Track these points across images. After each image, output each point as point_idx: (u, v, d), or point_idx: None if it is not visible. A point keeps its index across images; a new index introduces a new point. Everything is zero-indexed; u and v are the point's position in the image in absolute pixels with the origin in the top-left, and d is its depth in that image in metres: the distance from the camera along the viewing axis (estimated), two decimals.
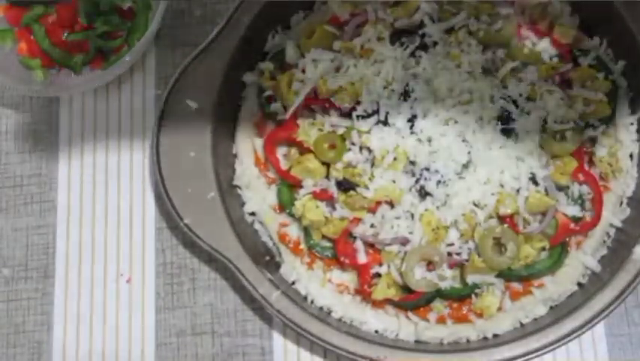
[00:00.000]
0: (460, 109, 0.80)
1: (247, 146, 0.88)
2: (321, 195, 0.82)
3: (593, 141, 0.83)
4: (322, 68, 0.84)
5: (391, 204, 0.80)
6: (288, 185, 0.85)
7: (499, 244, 0.79)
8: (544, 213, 0.80)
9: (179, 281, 0.88)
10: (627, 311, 0.84)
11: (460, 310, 0.82)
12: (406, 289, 0.80)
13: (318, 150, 0.82)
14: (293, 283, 0.83)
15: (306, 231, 0.84)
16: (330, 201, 0.82)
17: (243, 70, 0.88)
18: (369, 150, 0.81)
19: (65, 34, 0.92)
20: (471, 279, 0.80)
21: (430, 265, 0.80)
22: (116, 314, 0.87)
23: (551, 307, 0.81)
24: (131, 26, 0.93)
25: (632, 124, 0.85)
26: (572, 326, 0.76)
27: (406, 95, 0.82)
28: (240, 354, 0.86)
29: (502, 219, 0.80)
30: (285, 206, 0.85)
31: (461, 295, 0.81)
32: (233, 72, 0.86)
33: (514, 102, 0.81)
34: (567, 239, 0.82)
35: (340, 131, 0.82)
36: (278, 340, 0.86)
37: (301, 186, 0.83)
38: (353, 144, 0.82)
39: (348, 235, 0.82)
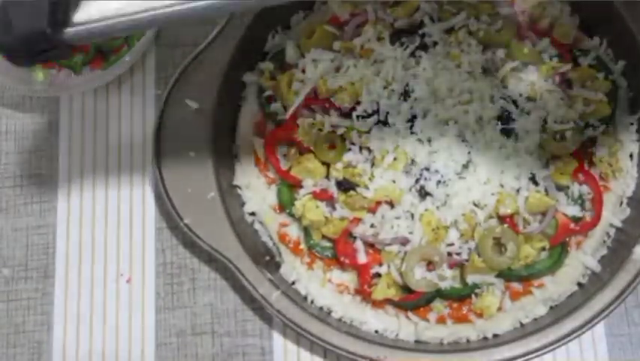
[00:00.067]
0: (460, 109, 0.80)
1: (247, 146, 0.88)
2: (321, 195, 0.82)
3: (593, 141, 0.83)
4: (322, 68, 0.84)
5: (391, 204, 0.80)
6: (288, 185, 0.85)
7: (499, 244, 0.79)
8: (544, 213, 0.80)
9: (179, 281, 0.88)
10: (627, 311, 0.84)
11: (460, 310, 0.82)
12: (406, 289, 0.80)
13: (318, 150, 0.82)
14: (293, 283, 0.84)
15: (306, 231, 0.84)
16: (330, 201, 0.82)
17: (243, 70, 0.88)
18: (369, 150, 0.81)
19: None
20: (471, 279, 0.80)
21: (430, 265, 0.80)
22: (116, 314, 0.87)
23: (551, 307, 0.81)
24: None
25: (632, 124, 0.85)
26: (572, 326, 0.76)
27: (406, 95, 0.82)
28: (240, 354, 0.86)
29: (502, 219, 0.80)
30: (285, 206, 0.85)
31: (461, 295, 0.81)
32: (233, 72, 0.86)
33: (514, 102, 0.82)
34: (567, 239, 0.82)
35: (340, 131, 0.82)
36: (278, 340, 0.86)
37: (301, 186, 0.83)
38: (353, 143, 0.82)
39: (348, 235, 0.82)
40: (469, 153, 0.80)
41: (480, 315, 0.81)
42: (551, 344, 0.76)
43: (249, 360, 0.85)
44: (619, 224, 0.83)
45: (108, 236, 0.90)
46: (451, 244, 0.80)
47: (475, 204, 0.79)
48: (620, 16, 0.82)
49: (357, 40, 0.85)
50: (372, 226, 0.81)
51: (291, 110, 0.83)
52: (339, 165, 0.82)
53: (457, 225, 0.80)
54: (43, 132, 0.94)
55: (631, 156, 0.85)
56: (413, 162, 0.80)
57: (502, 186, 0.79)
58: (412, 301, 0.81)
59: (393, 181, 0.80)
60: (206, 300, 0.87)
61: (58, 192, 0.92)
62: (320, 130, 0.83)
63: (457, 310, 0.82)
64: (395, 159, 0.80)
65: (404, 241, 0.79)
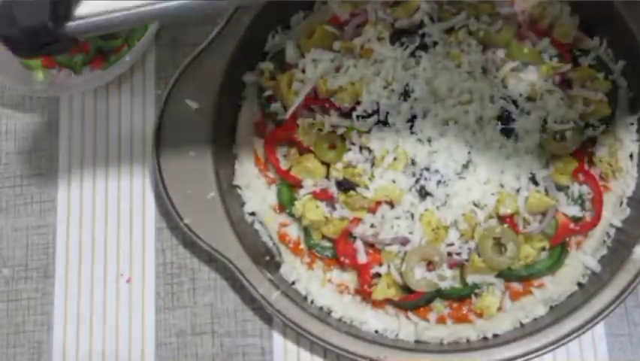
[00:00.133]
0: (460, 109, 0.80)
1: (247, 146, 0.88)
2: (321, 195, 0.82)
3: (593, 141, 0.83)
4: (322, 68, 0.84)
5: (391, 204, 0.80)
6: (288, 185, 0.85)
7: (499, 244, 0.79)
8: (544, 213, 0.80)
9: (179, 281, 0.88)
10: (627, 311, 0.84)
11: (460, 310, 0.82)
12: (406, 289, 0.80)
13: (318, 150, 0.82)
14: (293, 283, 0.84)
15: (306, 231, 0.84)
16: (330, 201, 0.82)
17: (243, 70, 0.88)
18: (369, 150, 0.81)
19: None
20: (471, 279, 0.80)
21: (430, 265, 0.80)
22: (116, 314, 0.87)
23: (551, 307, 0.81)
24: None
25: (632, 124, 0.85)
26: (572, 326, 0.76)
27: (406, 95, 0.82)
28: (240, 354, 0.86)
29: (502, 219, 0.80)
30: (285, 206, 0.85)
31: (461, 295, 0.81)
32: (233, 72, 0.86)
33: (514, 102, 0.81)
34: (567, 239, 0.82)
35: (340, 131, 0.82)
36: (278, 340, 0.86)
37: (301, 186, 0.83)
38: (353, 143, 0.82)
39: (348, 235, 0.82)
40: (469, 153, 0.80)
41: (480, 315, 0.81)
42: (551, 344, 0.76)
43: (249, 360, 0.85)
44: (619, 224, 0.83)
45: (108, 236, 0.90)
46: (451, 244, 0.80)
47: (475, 204, 0.79)
48: (620, 16, 0.82)
49: (357, 40, 0.85)
50: (372, 226, 0.81)
51: (291, 110, 0.83)
52: (339, 165, 0.82)
53: (457, 225, 0.80)
54: (43, 132, 0.94)
55: (631, 156, 0.85)
56: (413, 162, 0.80)
57: (502, 186, 0.79)
58: (412, 301, 0.81)
59: (394, 181, 0.80)
60: (206, 300, 0.87)
61: (58, 192, 0.92)
62: (320, 130, 0.83)
63: (457, 310, 0.82)
64: (395, 159, 0.80)
65: (404, 241, 0.79)
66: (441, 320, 0.82)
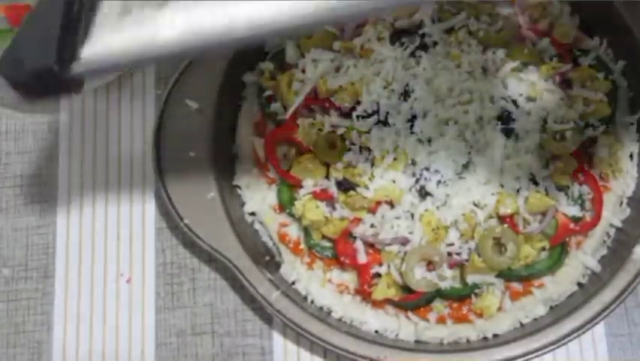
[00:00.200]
0: (460, 109, 0.80)
1: (247, 146, 0.88)
2: (321, 195, 0.82)
3: (593, 141, 0.83)
4: (322, 68, 0.84)
5: (391, 204, 0.80)
6: (288, 185, 0.85)
7: (499, 244, 0.79)
8: (544, 213, 0.80)
9: (179, 281, 0.88)
10: (627, 311, 0.84)
11: (460, 310, 0.82)
12: (406, 289, 0.80)
13: (318, 150, 0.82)
14: (293, 283, 0.84)
15: (306, 231, 0.84)
16: (330, 201, 0.82)
17: (243, 70, 0.88)
18: (369, 150, 0.81)
19: None
20: (471, 279, 0.80)
21: (430, 265, 0.80)
22: (116, 314, 0.87)
23: (551, 307, 0.81)
24: None
25: (632, 124, 0.85)
26: (572, 326, 0.76)
27: (406, 95, 0.82)
28: (240, 354, 0.86)
29: (502, 219, 0.80)
30: (285, 206, 0.85)
31: (461, 295, 0.81)
32: (233, 72, 0.86)
33: (514, 102, 0.81)
34: (567, 239, 0.82)
35: (340, 131, 0.82)
36: (278, 340, 0.86)
37: (301, 186, 0.83)
38: (353, 143, 0.82)
39: (348, 235, 0.82)
40: (469, 153, 0.80)
41: (480, 315, 0.81)
42: (551, 344, 0.76)
43: (249, 360, 0.85)
44: (619, 224, 0.83)
45: (108, 236, 0.90)
46: (451, 244, 0.79)
47: (475, 204, 0.79)
48: (620, 16, 0.82)
49: (357, 40, 0.85)
50: (372, 226, 0.81)
51: (291, 110, 0.83)
52: (339, 165, 0.82)
53: (457, 225, 0.80)
54: (43, 132, 0.94)
55: (631, 156, 0.85)
56: (413, 162, 0.80)
57: (502, 186, 0.79)
58: (412, 301, 0.81)
59: (394, 181, 0.80)
60: (206, 300, 0.87)
61: (59, 192, 0.92)
62: (320, 130, 0.83)
63: (457, 310, 0.82)
64: (395, 159, 0.80)
65: (404, 241, 0.79)
66: (441, 320, 0.82)
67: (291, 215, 0.85)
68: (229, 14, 0.47)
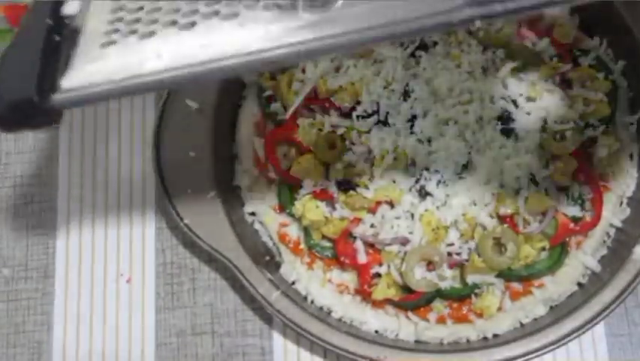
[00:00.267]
0: (460, 109, 0.80)
1: (247, 146, 0.88)
2: (321, 195, 0.82)
3: (593, 141, 0.83)
4: (322, 68, 0.84)
5: (391, 204, 0.80)
6: (288, 185, 0.85)
7: (499, 244, 0.79)
8: (544, 213, 0.80)
9: (179, 281, 0.88)
10: (627, 311, 0.84)
11: (460, 310, 0.82)
12: (406, 289, 0.80)
13: (318, 150, 0.82)
14: (293, 283, 0.84)
15: (306, 231, 0.84)
16: (330, 201, 0.82)
17: None
18: (370, 150, 0.81)
19: None
20: (471, 279, 0.80)
21: (430, 265, 0.80)
22: (116, 314, 0.87)
23: (551, 307, 0.81)
24: None
25: (632, 124, 0.85)
26: (572, 326, 0.76)
27: (406, 95, 0.82)
28: (240, 354, 0.86)
29: (502, 219, 0.80)
30: (285, 206, 0.85)
31: (461, 295, 0.81)
32: None
33: (514, 102, 0.81)
34: (567, 239, 0.82)
35: (340, 131, 0.82)
36: (278, 340, 0.86)
37: (301, 186, 0.83)
38: (353, 143, 0.82)
39: (348, 235, 0.82)
40: (469, 153, 0.80)
41: (480, 315, 0.81)
42: (551, 344, 0.76)
43: (249, 360, 0.85)
44: (619, 224, 0.83)
45: (108, 236, 0.90)
46: (451, 244, 0.79)
47: (475, 204, 0.79)
48: (620, 16, 0.82)
49: None
50: (372, 226, 0.81)
51: (291, 110, 0.83)
52: (339, 165, 0.82)
53: (457, 225, 0.80)
54: (42, 132, 0.94)
55: (631, 156, 0.85)
56: (413, 162, 0.80)
57: (502, 186, 0.79)
58: (412, 301, 0.81)
59: (394, 181, 0.80)
60: (206, 300, 0.87)
61: (59, 192, 0.92)
62: (320, 130, 0.83)
63: (457, 310, 0.82)
64: (395, 159, 0.80)
65: (404, 241, 0.79)
66: (441, 320, 0.82)
67: (291, 215, 0.85)
68: (218, 45, 0.46)
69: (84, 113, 0.94)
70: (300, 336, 0.81)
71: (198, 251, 0.88)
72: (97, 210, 0.91)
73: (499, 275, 0.81)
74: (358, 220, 0.81)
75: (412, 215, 0.80)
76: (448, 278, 0.80)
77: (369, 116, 0.82)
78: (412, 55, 0.83)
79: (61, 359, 0.86)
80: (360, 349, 0.78)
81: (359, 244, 0.81)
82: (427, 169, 0.80)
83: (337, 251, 0.82)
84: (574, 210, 0.81)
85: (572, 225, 0.81)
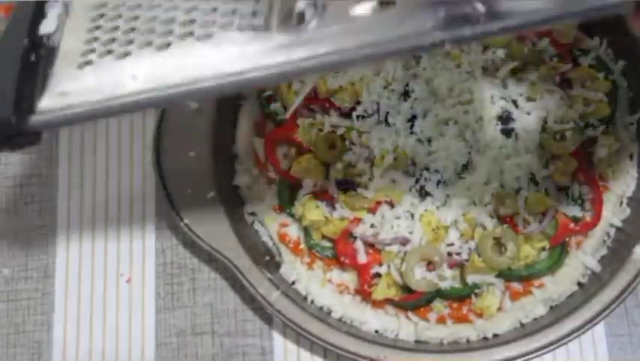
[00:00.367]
0: (460, 109, 0.80)
1: (247, 146, 0.88)
2: (321, 195, 0.82)
3: (593, 141, 0.83)
4: None
5: (391, 204, 0.80)
6: (288, 185, 0.85)
7: (499, 244, 0.79)
8: (544, 213, 0.80)
9: (179, 281, 0.88)
10: (627, 311, 0.84)
11: (460, 310, 0.82)
12: (406, 289, 0.80)
13: (318, 150, 0.82)
14: (293, 283, 0.84)
15: (306, 231, 0.84)
16: (330, 201, 0.82)
17: None
18: (370, 150, 0.81)
19: None
20: (471, 279, 0.80)
21: (430, 265, 0.80)
22: (116, 314, 0.87)
23: (551, 307, 0.81)
24: None
25: (632, 124, 0.85)
26: (572, 326, 0.76)
27: (406, 95, 0.82)
28: (240, 354, 0.86)
29: (502, 219, 0.80)
30: (285, 206, 0.85)
31: (461, 295, 0.81)
32: None
33: (514, 102, 0.82)
34: (567, 239, 0.82)
35: (340, 131, 0.82)
36: (278, 340, 0.86)
37: (301, 186, 0.83)
38: (353, 143, 0.82)
39: (348, 235, 0.82)
40: (469, 153, 0.80)
41: (480, 315, 0.81)
42: (551, 344, 0.76)
43: (249, 360, 0.85)
44: (619, 224, 0.83)
45: (108, 236, 0.90)
46: (451, 244, 0.80)
47: (475, 205, 0.79)
48: (620, 16, 0.82)
49: None
50: (372, 226, 0.81)
51: (291, 110, 0.83)
52: (339, 165, 0.82)
53: (457, 225, 0.80)
54: (42, 133, 0.94)
55: (631, 156, 0.85)
56: (413, 162, 0.80)
57: (502, 186, 0.79)
58: (412, 301, 0.81)
59: (393, 181, 0.80)
60: (206, 300, 0.87)
61: (59, 192, 0.92)
62: (320, 130, 0.83)
63: (457, 310, 0.82)
64: (395, 159, 0.80)
65: (404, 241, 0.79)
66: (441, 320, 0.82)
67: (291, 215, 0.85)
68: (193, 66, 0.46)
69: None
70: (300, 336, 0.81)
71: (198, 251, 0.88)
72: (97, 210, 0.91)
73: (499, 275, 0.81)
74: (358, 220, 0.81)
75: (412, 215, 0.80)
76: (448, 278, 0.80)
77: (369, 116, 0.82)
78: (413, 55, 0.83)
79: (61, 359, 0.86)
80: (360, 349, 0.78)
81: (359, 244, 0.81)
82: (427, 169, 0.80)
83: (337, 251, 0.82)
84: (574, 210, 0.81)
85: (572, 225, 0.81)
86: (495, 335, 0.80)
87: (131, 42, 0.48)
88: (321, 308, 0.83)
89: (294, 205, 0.83)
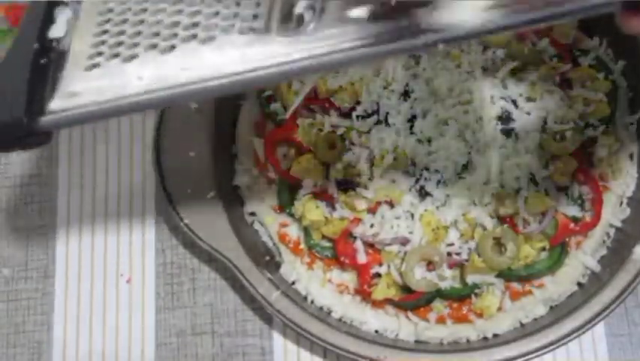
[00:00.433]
0: (460, 109, 0.80)
1: (247, 146, 0.88)
2: (321, 195, 0.82)
3: (593, 141, 0.83)
4: None
5: (391, 204, 0.80)
6: (288, 185, 0.85)
7: (499, 244, 0.79)
8: (544, 213, 0.80)
9: (179, 281, 0.88)
10: (627, 311, 0.84)
11: (460, 310, 0.82)
12: (406, 289, 0.80)
13: (317, 150, 0.82)
14: (293, 283, 0.83)
15: (306, 231, 0.84)
16: (330, 201, 0.82)
17: None
18: (370, 150, 0.81)
19: None
20: (471, 279, 0.80)
21: (430, 265, 0.80)
22: (116, 314, 0.87)
23: (551, 307, 0.81)
24: None
25: (632, 124, 0.85)
26: (572, 326, 0.76)
27: (406, 95, 0.82)
28: (240, 354, 0.86)
29: (502, 219, 0.80)
30: (285, 206, 0.85)
31: (461, 295, 0.81)
32: None
33: (514, 102, 0.82)
34: (567, 239, 0.82)
35: (340, 131, 0.82)
36: (278, 340, 0.86)
37: (301, 186, 0.83)
38: (353, 143, 0.82)
39: (348, 235, 0.82)
40: (469, 153, 0.80)
41: (480, 315, 0.81)
42: (551, 344, 0.76)
43: (249, 360, 0.85)
44: (619, 224, 0.83)
45: (108, 236, 0.90)
46: (451, 244, 0.80)
47: (475, 205, 0.79)
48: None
49: None
50: (372, 226, 0.81)
51: (291, 110, 0.83)
52: (339, 165, 0.82)
53: (457, 225, 0.80)
54: None
55: (631, 156, 0.85)
56: (413, 162, 0.80)
57: (502, 186, 0.79)
58: (412, 301, 0.81)
59: (393, 181, 0.80)
60: (206, 300, 0.87)
61: (59, 192, 0.92)
62: (320, 130, 0.83)
63: (457, 310, 0.82)
64: (395, 159, 0.80)
65: (404, 241, 0.79)
66: (441, 320, 0.82)
67: (291, 215, 0.85)
68: (196, 67, 0.48)
69: None
70: (300, 336, 0.81)
71: (198, 251, 0.88)
72: (97, 210, 0.91)
73: (499, 275, 0.81)
74: (358, 220, 0.81)
75: (412, 215, 0.80)
76: (448, 278, 0.80)
77: (369, 116, 0.82)
78: (412, 55, 0.83)
79: (61, 359, 0.86)
80: (360, 349, 0.78)
81: (359, 244, 0.81)
82: (427, 169, 0.80)
83: (337, 251, 0.82)
84: (574, 210, 0.81)
85: (571, 225, 0.81)
86: (495, 335, 0.80)
87: (136, 45, 0.50)
88: (321, 308, 0.83)
89: (294, 205, 0.83)
